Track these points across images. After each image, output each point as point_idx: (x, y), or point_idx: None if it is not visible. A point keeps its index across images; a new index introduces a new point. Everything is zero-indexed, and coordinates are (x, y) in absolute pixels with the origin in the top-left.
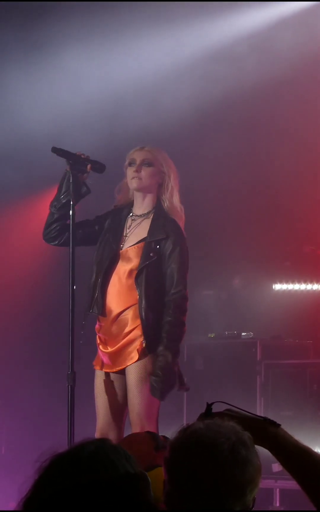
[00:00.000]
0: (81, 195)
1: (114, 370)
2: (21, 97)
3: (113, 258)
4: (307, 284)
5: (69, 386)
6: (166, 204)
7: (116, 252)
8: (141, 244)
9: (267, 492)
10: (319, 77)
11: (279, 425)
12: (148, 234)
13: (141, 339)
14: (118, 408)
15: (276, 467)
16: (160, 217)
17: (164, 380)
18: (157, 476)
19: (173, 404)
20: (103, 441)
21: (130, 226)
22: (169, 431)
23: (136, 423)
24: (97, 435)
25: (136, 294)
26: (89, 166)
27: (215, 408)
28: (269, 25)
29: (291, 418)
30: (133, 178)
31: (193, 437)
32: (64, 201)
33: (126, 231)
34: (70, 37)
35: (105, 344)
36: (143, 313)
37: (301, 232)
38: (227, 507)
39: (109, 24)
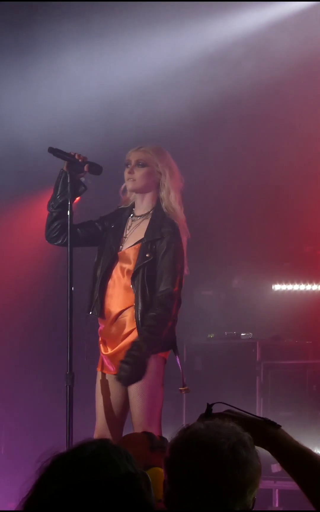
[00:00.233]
0: (77, 194)
1: (115, 372)
2: (18, 99)
3: (113, 259)
4: (307, 284)
5: (68, 386)
6: (164, 204)
7: (115, 253)
8: (138, 245)
9: (266, 493)
10: (317, 77)
11: (279, 426)
12: (145, 235)
13: None
14: (118, 410)
15: (276, 467)
16: (158, 218)
17: (133, 369)
18: (152, 476)
19: (173, 405)
20: (104, 441)
21: (130, 226)
22: (169, 432)
23: (138, 425)
24: (95, 437)
25: (133, 295)
26: (86, 166)
27: (215, 409)
28: (266, 26)
29: (290, 418)
30: (128, 179)
31: (193, 437)
32: (61, 200)
33: (126, 232)
34: (66, 39)
35: (105, 346)
36: (139, 314)
37: (301, 233)
38: (227, 507)
39: (106, 26)
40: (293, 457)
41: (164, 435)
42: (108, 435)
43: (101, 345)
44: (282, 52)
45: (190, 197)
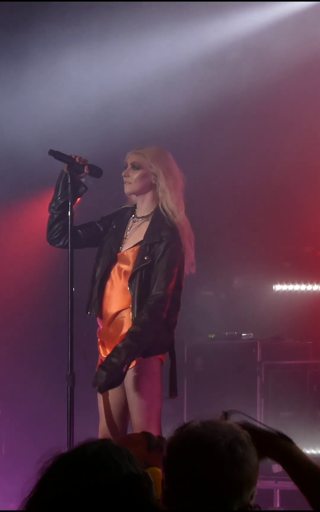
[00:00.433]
0: (78, 194)
1: None
2: (17, 100)
3: (112, 260)
4: (308, 284)
5: (69, 387)
6: (161, 204)
7: (115, 254)
8: (137, 247)
9: (268, 493)
10: (317, 78)
11: (291, 440)
12: (144, 237)
13: None
14: (120, 411)
15: (277, 468)
16: (157, 220)
17: (110, 377)
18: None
19: (173, 405)
20: (105, 442)
21: (130, 228)
22: (169, 432)
23: (137, 425)
24: (99, 437)
25: (130, 297)
26: (86, 168)
27: (216, 413)
28: (265, 27)
29: (291, 418)
30: (124, 182)
31: (190, 435)
32: (61, 202)
33: (127, 233)
34: (65, 41)
35: (104, 347)
36: (135, 316)
37: (301, 233)
38: (225, 505)
39: (104, 28)
40: (305, 472)
41: (164, 435)
42: (112, 436)
43: (100, 346)
44: (282, 53)
45: (190, 197)
